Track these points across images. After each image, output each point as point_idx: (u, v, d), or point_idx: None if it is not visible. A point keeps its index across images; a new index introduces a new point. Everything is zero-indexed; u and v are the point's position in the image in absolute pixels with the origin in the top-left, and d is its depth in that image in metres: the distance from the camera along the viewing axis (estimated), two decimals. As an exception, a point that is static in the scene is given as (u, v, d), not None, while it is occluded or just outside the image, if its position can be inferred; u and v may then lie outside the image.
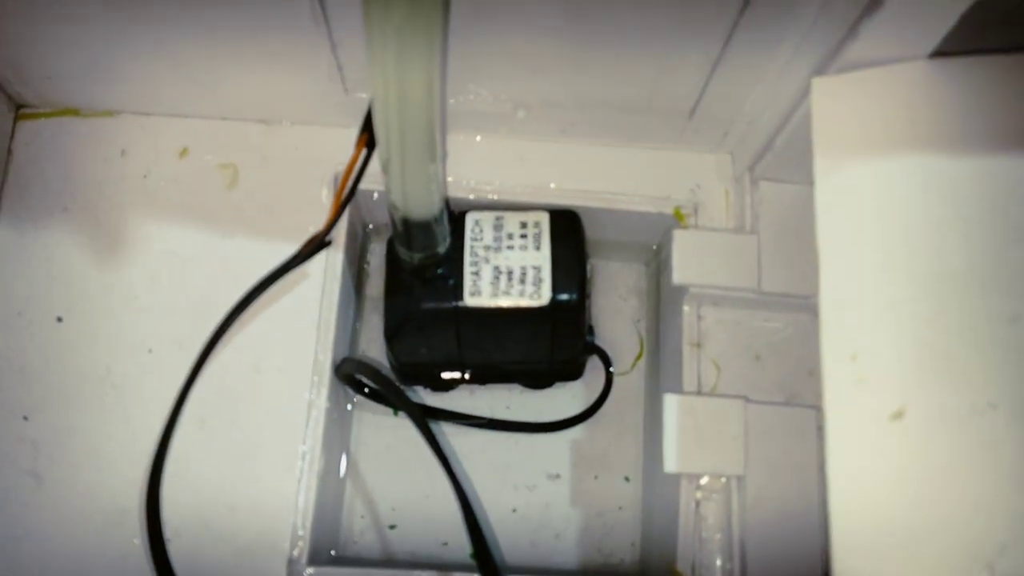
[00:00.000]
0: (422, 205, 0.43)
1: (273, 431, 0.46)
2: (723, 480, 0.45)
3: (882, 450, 0.33)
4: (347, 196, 0.44)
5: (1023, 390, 0.33)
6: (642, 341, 0.57)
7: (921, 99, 0.37)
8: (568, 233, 0.50)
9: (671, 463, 0.45)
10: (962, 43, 0.37)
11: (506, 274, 0.48)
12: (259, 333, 0.47)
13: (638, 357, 0.56)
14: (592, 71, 0.46)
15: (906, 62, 0.37)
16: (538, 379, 0.55)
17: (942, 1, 0.34)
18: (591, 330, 0.55)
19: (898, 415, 0.33)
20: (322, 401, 0.47)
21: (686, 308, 0.49)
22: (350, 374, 0.48)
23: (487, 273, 0.48)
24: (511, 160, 0.52)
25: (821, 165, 0.37)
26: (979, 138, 0.36)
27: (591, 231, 0.53)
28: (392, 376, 0.54)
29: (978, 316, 0.34)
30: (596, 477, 0.54)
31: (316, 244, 0.43)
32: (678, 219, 0.51)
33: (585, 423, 0.55)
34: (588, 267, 0.56)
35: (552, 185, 0.52)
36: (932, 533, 0.32)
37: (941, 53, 0.37)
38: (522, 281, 0.48)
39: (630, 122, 0.50)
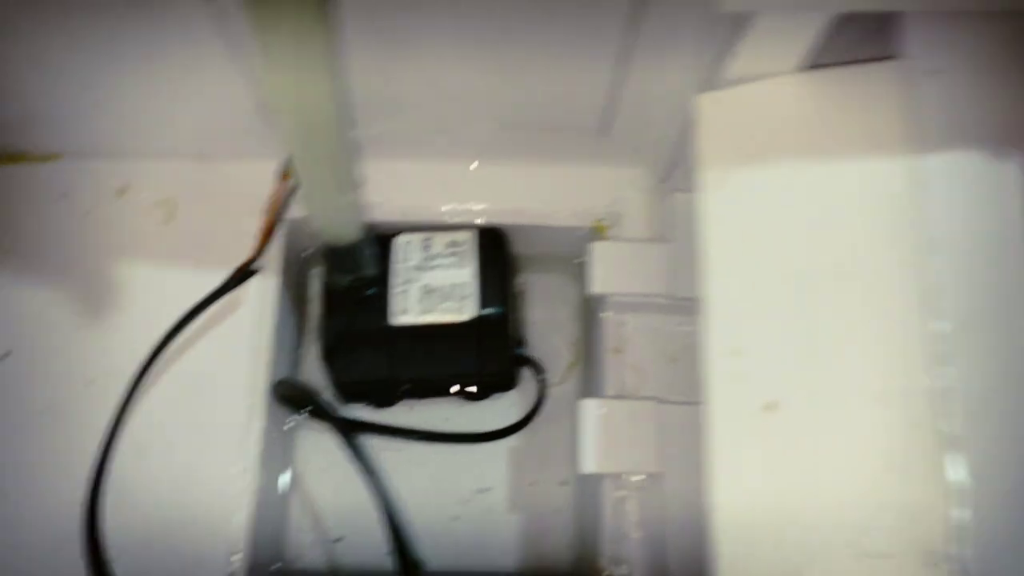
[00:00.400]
0: (342, 231, 0.46)
1: (211, 452, 0.48)
2: (643, 478, 0.47)
3: (758, 439, 0.35)
4: (272, 226, 0.46)
5: (888, 377, 0.35)
6: (575, 350, 0.59)
7: (794, 109, 0.39)
8: (494, 250, 0.52)
9: (588, 464, 0.47)
10: (833, 55, 0.40)
11: (433, 292, 0.50)
12: (197, 359, 0.50)
13: (571, 366, 0.58)
14: (503, 97, 0.48)
15: (779, 76, 0.39)
16: (476, 391, 0.57)
17: (800, 21, 0.36)
18: (522, 342, 0.57)
19: (772, 406, 0.35)
20: (258, 422, 0.49)
21: (607, 316, 0.52)
22: (285, 395, 0.50)
23: (415, 292, 0.50)
24: (438, 182, 0.54)
25: (705, 176, 0.39)
26: (846, 143, 0.38)
27: (523, 247, 0.56)
28: (334, 395, 0.56)
29: (847, 310, 0.36)
30: (533, 483, 0.56)
31: (242, 274, 0.46)
32: (599, 231, 0.53)
33: (523, 431, 0.57)
34: (518, 282, 0.59)
35: (479, 205, 0.54)
36: (804, 514, 0.34)
37: (816, 65, 0.40)
38: (449, 298, 0.50)
39: (548, 141, 0.52)
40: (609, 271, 0.50)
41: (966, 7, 0.35)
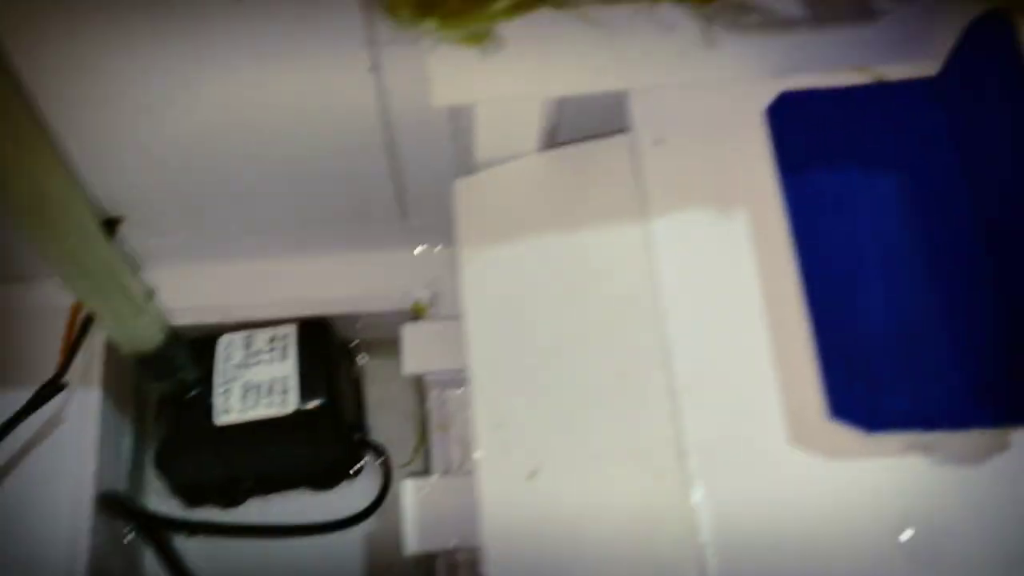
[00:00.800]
0: (143, 342, 0.46)
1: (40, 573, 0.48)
2: (469, 552, 0.48)
3: (524, 507, 0.36)
4: (71, 342, 0.47)
5: (636, 434, 0.36)
6: (420, 431, 0.60)
7: (539, 187, 0.41)
8: (315, 340, 0.53)
9: (412, 544, 0.47)
10: (573, 132, 0.42)
11: (255, 389, 0.51)
12: (23, 481, 0.50)
13: (417, 447, 0.59)
14: (297, 192, 0.50)
15: (524, 156, 0.42)
16: (320, 481, 0.58)
17: (518, 106, 0.39)
18: (361, 428, 0.58)
19: (535, 473, 0.37)
20: (84, 538, 0.49)
21: (431, 394, 0.53)
22: (110, 506, 0.50)
23: (237, 390, 0.51)
24: (259, 279, 0.55)
25: (463, 257, 0.41)
26: (588, 216, 0.40)
27: (355, 334, 0.58)
28: (177, 501, 0.56)
29: (593, 375, 0.37)
30: (390, 567, 0.57)
31: (46, 391, 0.46)
32: (419, 312, 0.55)
33: (376, 515, 0.58)
34: (355, 367, 0.60)
35: (301, 297, 0.55)
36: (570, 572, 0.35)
37: (561, 142, 0.42)
38: (270, 392, 0.51)
39: (358, 230, 0.54)
40: (420, 351, 0.51)
41: (656, 81, 0.37)
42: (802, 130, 0.37)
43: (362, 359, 0.61)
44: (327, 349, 0.53)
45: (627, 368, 0.37)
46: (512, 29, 0.32)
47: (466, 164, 0.44)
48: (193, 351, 0.52)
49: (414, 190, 0.50)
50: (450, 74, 0.35)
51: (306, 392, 0.51)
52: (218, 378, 0.52)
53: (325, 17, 0.36)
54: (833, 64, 0.39)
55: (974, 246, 0.34)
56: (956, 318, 0.33)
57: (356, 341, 0.59)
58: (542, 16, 0.32)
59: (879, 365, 0.32)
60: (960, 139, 0.36)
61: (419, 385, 0.59)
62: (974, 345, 0.33)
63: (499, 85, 0.35)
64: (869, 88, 0.38)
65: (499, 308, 0.40)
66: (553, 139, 0.43)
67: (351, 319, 0.56)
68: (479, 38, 0.32)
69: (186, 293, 0.54)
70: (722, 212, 0.38)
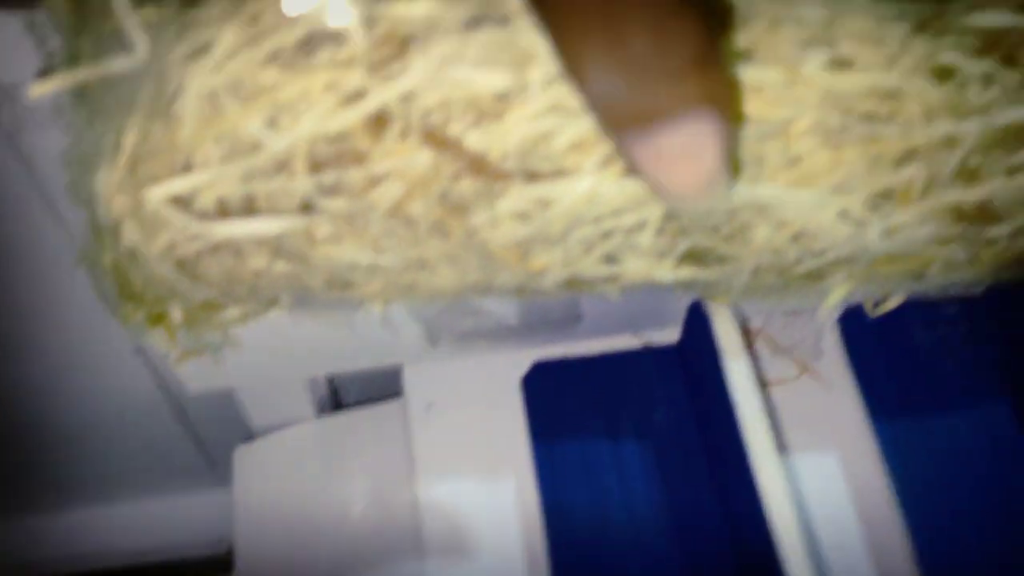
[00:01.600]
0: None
1: None
2: None
3: None
4: None
5: None
6: None
7: (312, 453, 0.42)
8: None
9: None
10: (360, 394, 0.43)
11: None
12: None
13: None
14: (91, 451, 0.49)
15: (302, 422, 0.42)
16: None
17: (286, 385, 0.39)
18: None
19: None
20: None
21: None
22: None
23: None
24: (63, 532, 0.54)
25: (237, 526, 0.40)
26: (362, 480, 0.40)
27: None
28: None
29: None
30: None
31: None
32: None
33: None
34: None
35: (109, 548, 0.53)
36: None
37: (343, 406, 0.43)
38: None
39: (164, 480, 0.53)
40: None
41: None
42: (553, 396, 0.38)
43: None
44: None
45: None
46: (251, 326, 0.33)
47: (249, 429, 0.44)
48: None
49: (215, 444, 0.50)
50: (197, 366, 0.35)
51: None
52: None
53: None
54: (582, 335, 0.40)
55: (713, 514, 0.35)
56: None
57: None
58: (279, 315, 0.32)
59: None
60: (694, 401, 0.37)
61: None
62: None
63: (248, 372, 0.36)
64: (618, 355, 0.39)
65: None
66: (336, 401, 0.43)
67: (165, 567, 0.54)
68: (210, 346, 0.32)
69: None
70: (485, 477, 0.38)
